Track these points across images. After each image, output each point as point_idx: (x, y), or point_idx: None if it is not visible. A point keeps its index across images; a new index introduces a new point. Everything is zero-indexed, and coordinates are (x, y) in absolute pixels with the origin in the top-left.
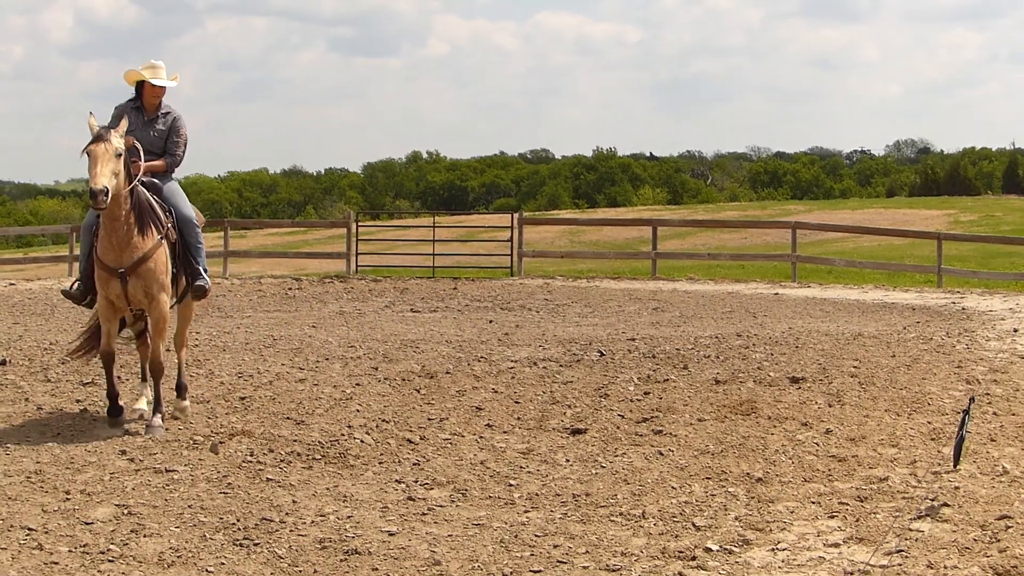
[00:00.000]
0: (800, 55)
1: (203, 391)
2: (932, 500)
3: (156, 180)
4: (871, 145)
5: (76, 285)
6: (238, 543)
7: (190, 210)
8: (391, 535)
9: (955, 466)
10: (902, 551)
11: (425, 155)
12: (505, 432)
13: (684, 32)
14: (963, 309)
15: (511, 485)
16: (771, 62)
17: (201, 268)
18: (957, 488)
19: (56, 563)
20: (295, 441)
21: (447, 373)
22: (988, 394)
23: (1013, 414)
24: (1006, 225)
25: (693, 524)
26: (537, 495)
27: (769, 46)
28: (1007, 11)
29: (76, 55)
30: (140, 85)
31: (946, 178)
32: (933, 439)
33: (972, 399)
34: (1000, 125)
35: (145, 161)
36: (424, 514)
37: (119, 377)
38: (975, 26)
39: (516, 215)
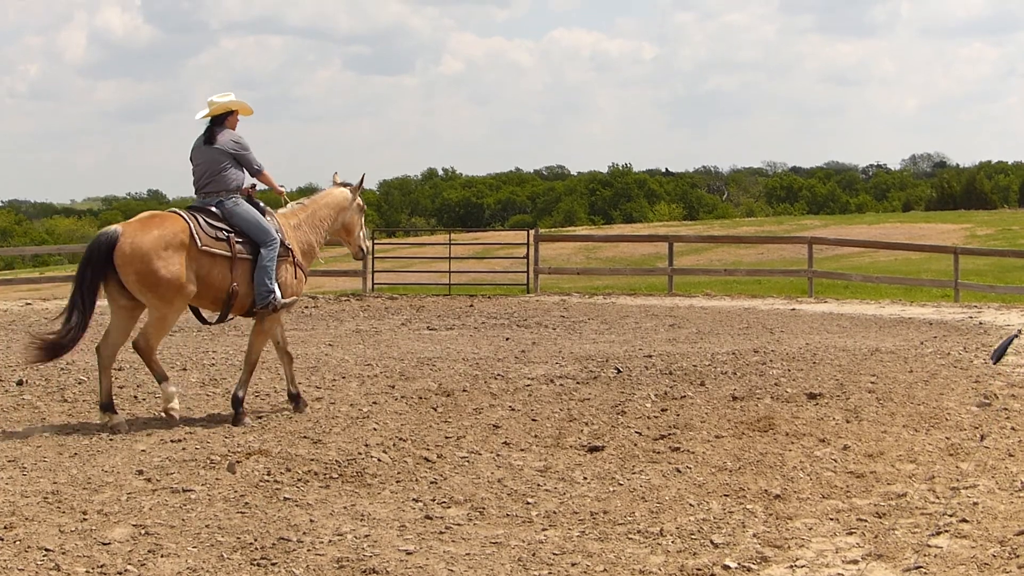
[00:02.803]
0: (816, 70)
1: (220, 410)
2: (951, 516)
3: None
4: (887, 159)
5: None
6: (255, 563)
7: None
8: (409, 554)
9: (995, 362)
10: (921, 567)
11: (441, 172)
12: (522, 450)
13: (700, 48)
14: (980, 324)
15: (528, 503)
16: (787, 77)
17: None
18: (976, 504)
19: None
20: (312, 460)
21: (464, 391)
22: (1006, 409)
23: None
24: (1023, 239)
25: (711, 541)
26: (555, 513)
27: (785, 61)
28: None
29: (92, 74)
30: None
31: (962, 192)
32: (951, 455)
33: (1018, 333)
34: (1016, 139)
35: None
36: (442, 533)
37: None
38: (992, 40)
39: (532, 232)
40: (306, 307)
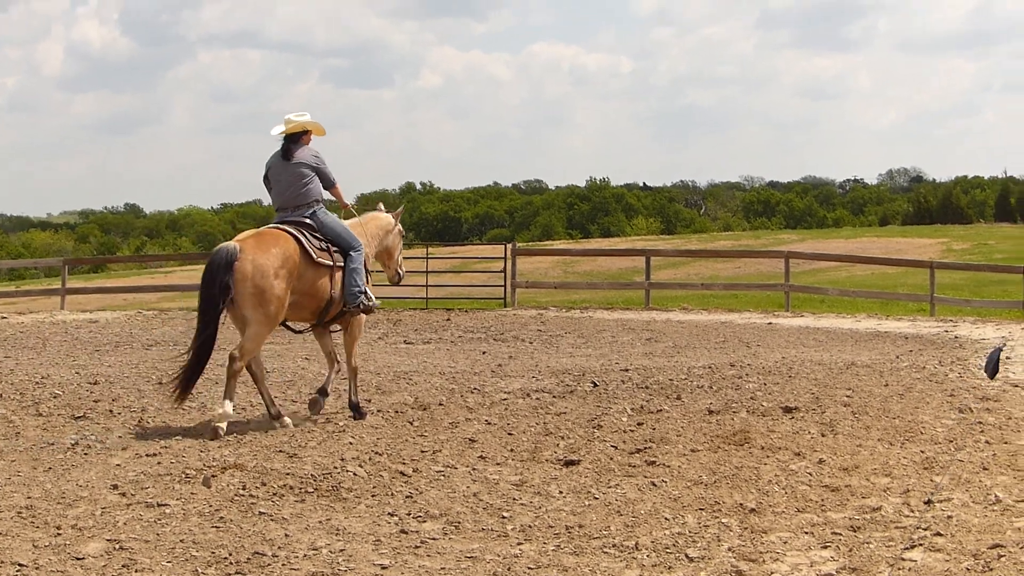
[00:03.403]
0: (794, 85)
1: (196, 425)
2: (925, 529)
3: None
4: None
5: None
6: None
7: None
8: (384, 568)
9: (992, 377)
10: None
11: (419, 186)
12: (498, 464)
13: (678, 62)
14: (956, 338)
15: (504, 517)
16: (764, 92)
17: None
18: (950, 517)
19: None
20: (288, 474)
21: (440, 405)
22: (981, 423)
23: (1005, 442)
24: (999, 253)
25: (686, 555)
26: (530, 527)
27: (762, 76)
28: (1001, 41)
29: (70, 87)
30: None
31: (939, 206)
32: (926, 468)
33: (1003, 345)
34: (992, 154)
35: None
36: (417, 547)
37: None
38: (968, 55)
39: (509, 246)
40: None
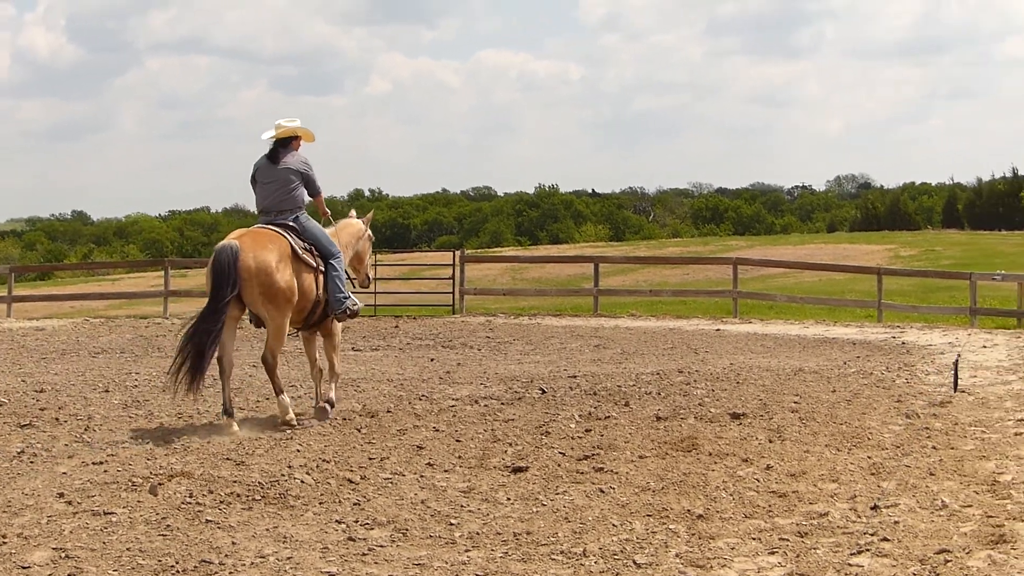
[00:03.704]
0: (742, 92)
1: (142, 432)
2: (872, 535)
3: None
4: (812, 181)
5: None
6: None
7: None
8: None
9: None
10: None
11: (367, 193)
12: (446, 471)
13: (626, 69)
14: (903, 344)
15: (452, 524)
16: (713, 99)
17: None
18: (897, 523)
19: None
20: (235, 482)
21: (388, 412)
22: (927, 428)
23: (952, 448)
24: (946, 259)
25: (634, 562)
26: (478, 534)
27: (712, 83)
28: (947, 48)
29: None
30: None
31: (886, 213)
32: (873, 474)
33: (959, 356)
34: (940, 160)
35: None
36: (364, 554)
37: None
38: (915, 63)
39: (458, 253)
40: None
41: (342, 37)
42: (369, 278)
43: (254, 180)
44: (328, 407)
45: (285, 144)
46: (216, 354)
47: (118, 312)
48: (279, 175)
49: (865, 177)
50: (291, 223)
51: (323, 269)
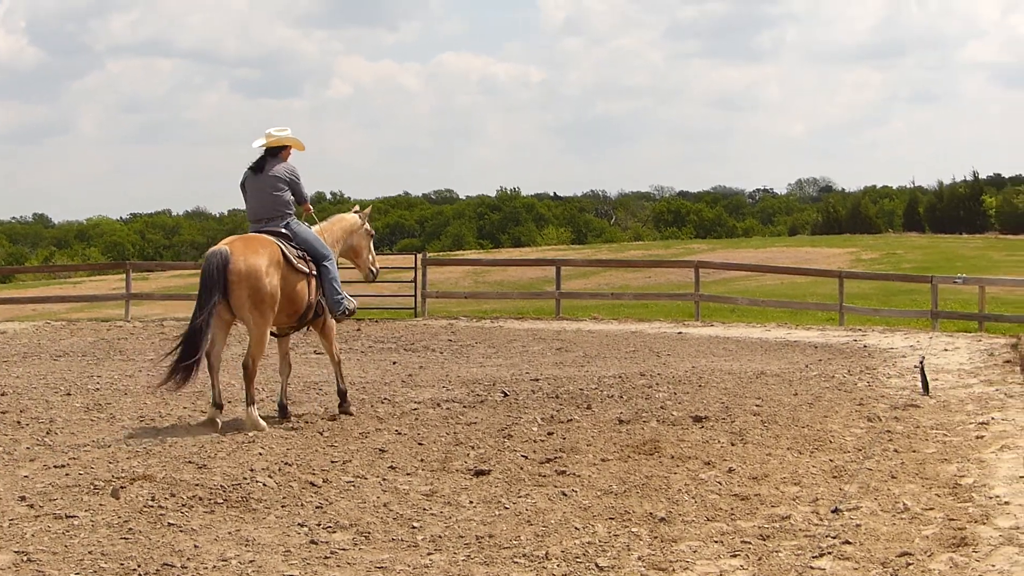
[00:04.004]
0: (704, 95)
1: (104, 435)
2: (834, 538)
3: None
4: (774, 184)
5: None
6: None
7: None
8: None
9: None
10: None
11: (329, 196)
12: (408, 474)
13: (587, 72)
14: (865, 347)
15: (414, 527)
16: (675, 102)
17: None
18: (858, 526)
19: None
20: (197, 485)
21: (350, 415)
22: (889, 431)
23: (914, 451)
24: (907, 263)
25: (596, 565)
26: (440, 537)
27: (673, 86)
28: (908, 51)
29: None
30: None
31: (848, 216)
32: (835, 477)
33: (923, 358)
34: (901, 164)
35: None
36: (327, 557)
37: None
38: (876, 66)
39: (420, 256)
40: None
41: (303, 40)
42: (373, 271)
43: (243, 188)
44: (345, 402)
45: (274, 153)
46: (206, 351)
47: (79, 315)
48: (266, 183)
49: (826, 180)
50: (283, 230)
51: (316, 273)
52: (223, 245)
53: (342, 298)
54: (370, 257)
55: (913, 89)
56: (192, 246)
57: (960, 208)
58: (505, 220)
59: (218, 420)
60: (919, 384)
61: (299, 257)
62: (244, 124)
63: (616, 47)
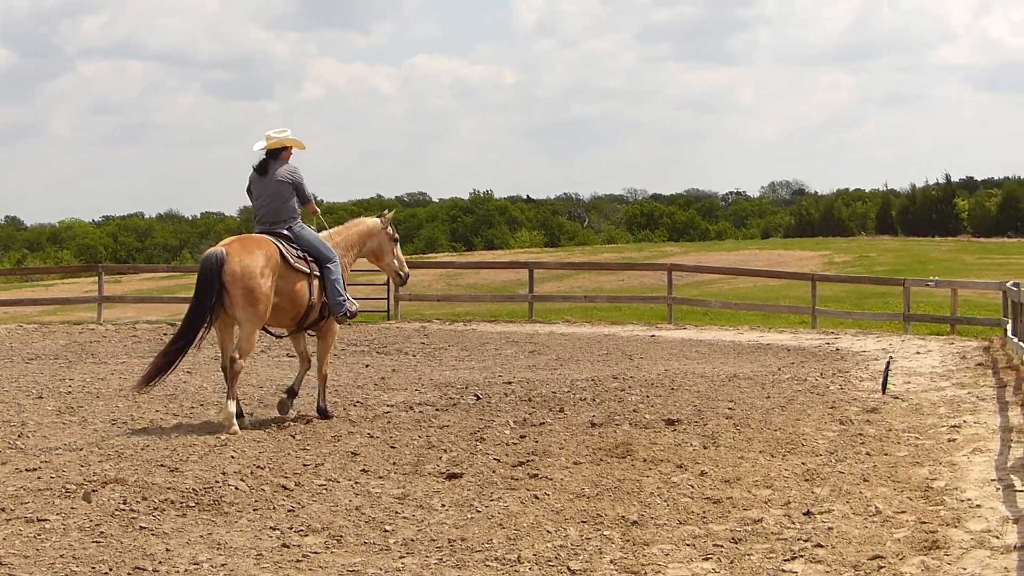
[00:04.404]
0: (676, 98)
1: (76, 439)
2: (806, 541)
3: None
4: (746, 187)
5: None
6: None
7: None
8: None
9: (884, 392)
10: None
11: None
12: (381, 477)
13: (560, 75)
14: (837, 350)
15: (386, 531)
16: (648, 105)
17: None
18: (830, 529)
19: None
20: (169, 488)
21: (323, 418)
22: (861, 434)
23: (886, 454)
24: (879, 266)
25: (568, 568)
26: (412, 540)
27: (646, 89)
28: (880, 54)
29: None
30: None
31: (820, 219)
32: (807, 480)
33: (890, 358)
34: (873, 167)
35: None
36: (299, 561)
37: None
38: (848, 68)
39: None
40: (165, 334)
41: (275, 42)
42: (401, 275)
43: (249, 192)
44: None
45: (275, 155)
46: (221, 364)
47: (52, 318)
48: (270, 187)
49: (799, 183)
50: (284, 232)
51: (319, 274)
52: (220, 246)
53: (343, 300)
54: (395, 261)
55: (886, 92)
56: (165, 249)
57: (932, 211)
58: (478, 223)
59: (235, 426)
60: (879, 384)
61: (299, 257)
62: (217, 126)
63: (589, 49)
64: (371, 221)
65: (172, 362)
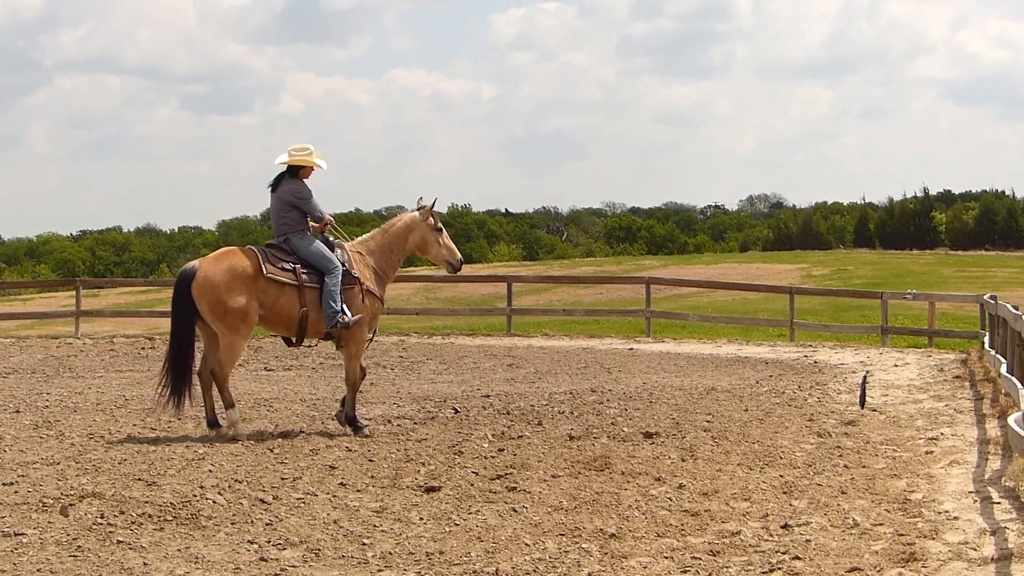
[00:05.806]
0: (654, 111)
1: (53, 452)
2: (784, 553)
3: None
4: (725, 200)
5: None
6: None
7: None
8: None
9: (862, 406)
10: None
11: None
12: (359, 490)
13: (538, 88)
14: (815, 363)
15: (364, 544)
16: (626, 118)
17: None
18: (808, 541)
19: None
20: (146, 502)
21: (301, 432)
22: (839, 447)
23: (863, 466)
24: (857, 279)
25: None
26: (391, 554)
27: (624, 102)
28: (857, 67)
29: None
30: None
31: (799, 232)
32: (785, 492)
33: (867, 372)
34: (851, 180)
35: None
36: (277, 575)
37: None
38: (826, 82)
39: None
40: (143, 348)
41: (253, 56)
42: (452, 264)
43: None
44: (350, 423)
45: (294, 173)
46: (198, 371)
47: (29, 332)
48: (275, 203)
49: (777, 196)
50: (282, 244)
51: (312, 285)
52: (197, 260)
53: (336, 312)
54: (444, 250)
55: (863, 105)
56: (142, 263)
57: (910, 224)
58: (456, 236)
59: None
60: (856, 397)
61: (283, 269)
62: (194, 140)
63: (566, 63)
64: (408, 216)
65: (186, 379)
